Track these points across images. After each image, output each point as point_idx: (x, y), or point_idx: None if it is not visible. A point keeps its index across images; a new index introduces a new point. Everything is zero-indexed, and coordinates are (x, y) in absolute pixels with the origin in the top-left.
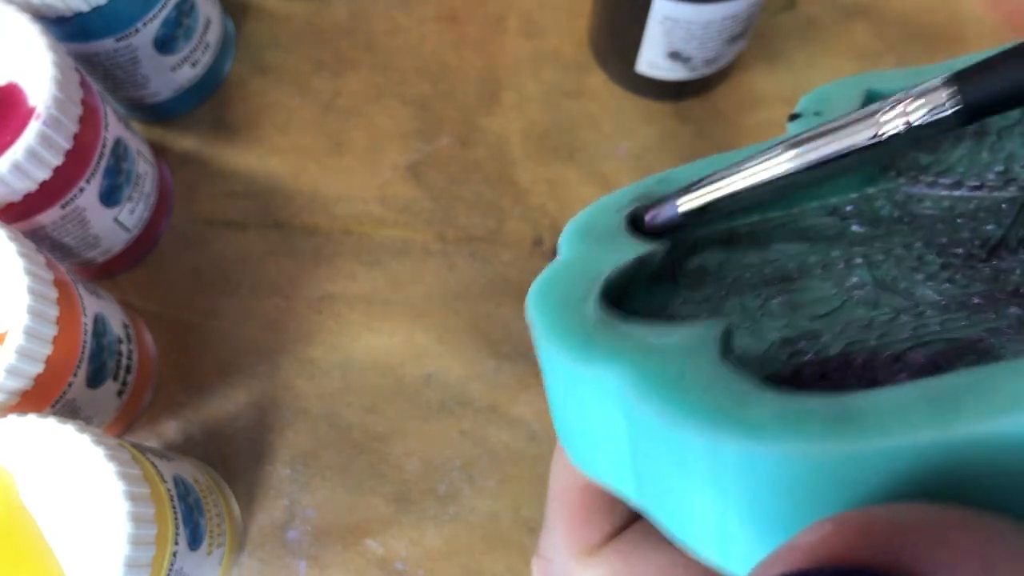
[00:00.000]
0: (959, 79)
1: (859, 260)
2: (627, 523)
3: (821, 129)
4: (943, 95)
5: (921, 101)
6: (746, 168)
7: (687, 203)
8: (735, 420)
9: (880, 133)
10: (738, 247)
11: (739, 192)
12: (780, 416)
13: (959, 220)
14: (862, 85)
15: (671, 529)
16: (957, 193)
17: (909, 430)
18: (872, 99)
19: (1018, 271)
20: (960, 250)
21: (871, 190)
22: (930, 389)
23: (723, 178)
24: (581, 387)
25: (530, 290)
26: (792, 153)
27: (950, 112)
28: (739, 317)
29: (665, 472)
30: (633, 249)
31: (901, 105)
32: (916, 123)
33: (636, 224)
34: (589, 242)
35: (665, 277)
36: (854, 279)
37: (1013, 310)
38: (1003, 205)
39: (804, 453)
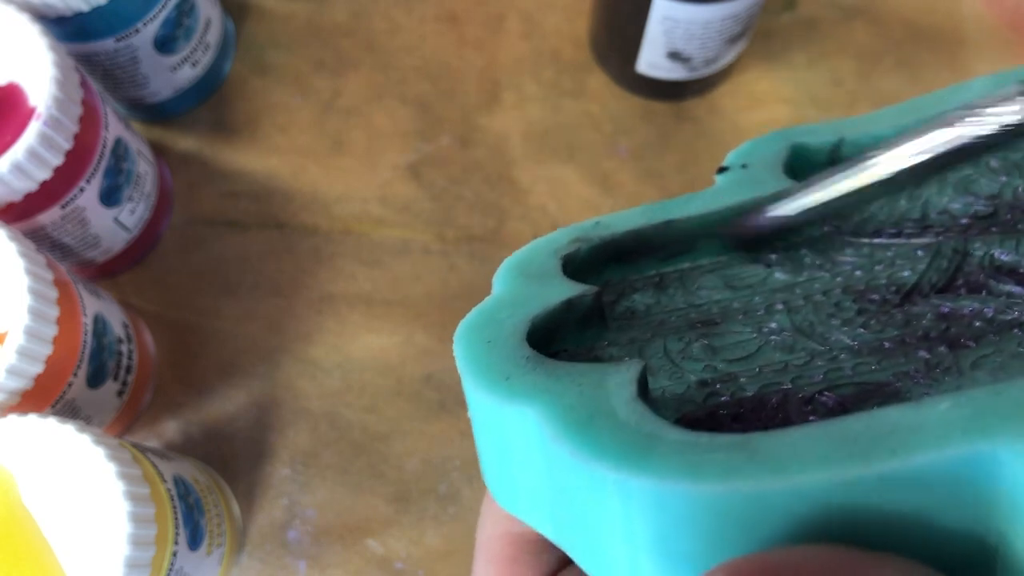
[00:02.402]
0: None
1: (780, 306)
2: (554, 571)
3: (932, 124)
4: None
5: (1016, 106)
6: (859, 166)
7: (796, 206)
8: (642, 459)
9: (976, 134)
10: (667, 290)
11: (856, 191)
12: (686, 456)
13: (877, 267)
14: (788, 139)
15: (588, 568)
16: (877, 241)
17: (808, 471)
18: (798, 152)
19: (928, 315)
20: (876, 296)
21: (796, 238)
22: (830, 431)
23: (833, 181)
24: (503, 424)
25: (459, 327)
26: (916, 144)
27: None
28: (661, 359)
29: (580, 511)
30: (563, 291)
31: (987, 111)
32: (1010, 123)
33: (570, 266)
34: (522, 280)
35: (594, 319)
36: (773, 324)
37: (922, 354)
38: (919, 252)
39: (707, 493)
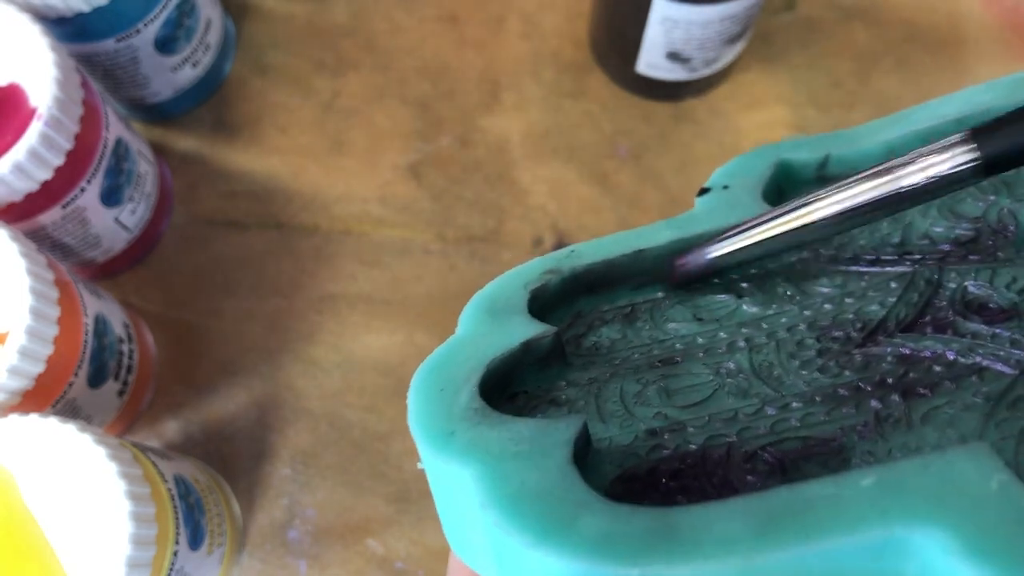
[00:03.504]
0: (977, 134)
1: (742, 343)
2: None
3: (844, 183)
4: (962, 150)
5: (943, 156)
6: (777, 217)
7: (717, 251)
8: (562, 536)
9: (900, 186)
10: (635, 324)
11: (768, 240)
12: (606, 533)
13: (847, 300)
14: (774, 155)
15: None
16: (853, 268)
17: (722, 554)
18: (784, 170)
19: (888, 358)
20: (840, 333)
21: (771, 266)
22: (749, 507)
23: (753, 227)
24: (447, 479)
25: (418, 369)
26: (818, 205)
27: (968, 166)
28: (616, 404)
29: (520, 571)
30: (523, 331)
31: (921, 160)
32: (936, 176)
33: (540, 299)
34: (486, 319)
35: (556, 357)
36: (731, 364)
37: (874, 403)
38: (892, 283)
39: (623, 574)
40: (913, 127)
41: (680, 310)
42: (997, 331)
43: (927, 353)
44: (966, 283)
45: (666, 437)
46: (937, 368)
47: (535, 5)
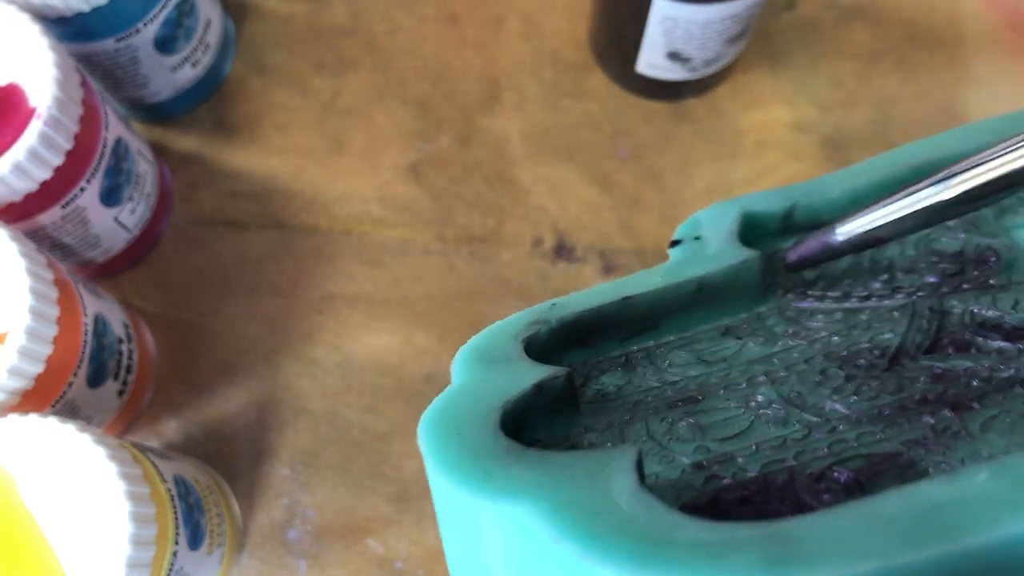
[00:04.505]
0: None
1: (761, 378)
2: None
3: (966, 163)
4: None
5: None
6: (898, 198)
7: (847, 231)
8: (662, 556)
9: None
10: (636, 370)
11: (900, 219)
12: (710, 549)
13: (855, 331)
14: (737, 209)
15: None
16: (847, 305)
17: (854, 562)
18: (749, 221)
19: (922, 378)
20: (862, 360)
21: (761, 309)
22: (864, 513)
23: (876, 209)
24: (476, 522)
25: (422, 419)
26: (953, 181)
27: None
28: (646, 443)
29: None
30: (532, 374)
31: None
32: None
33: (530, 352)
34: (485, 366)
35: (566, 405)
36: (760, 397)
37: (926, 419)
38: (895, 313)
39: None
40: (877, 176)
41: (680, 355)
42: (1022, 347)
43: (960, 370)
44: (971, 308)
45: (716, 468)
46: (975, 383)
47: (535, 5)
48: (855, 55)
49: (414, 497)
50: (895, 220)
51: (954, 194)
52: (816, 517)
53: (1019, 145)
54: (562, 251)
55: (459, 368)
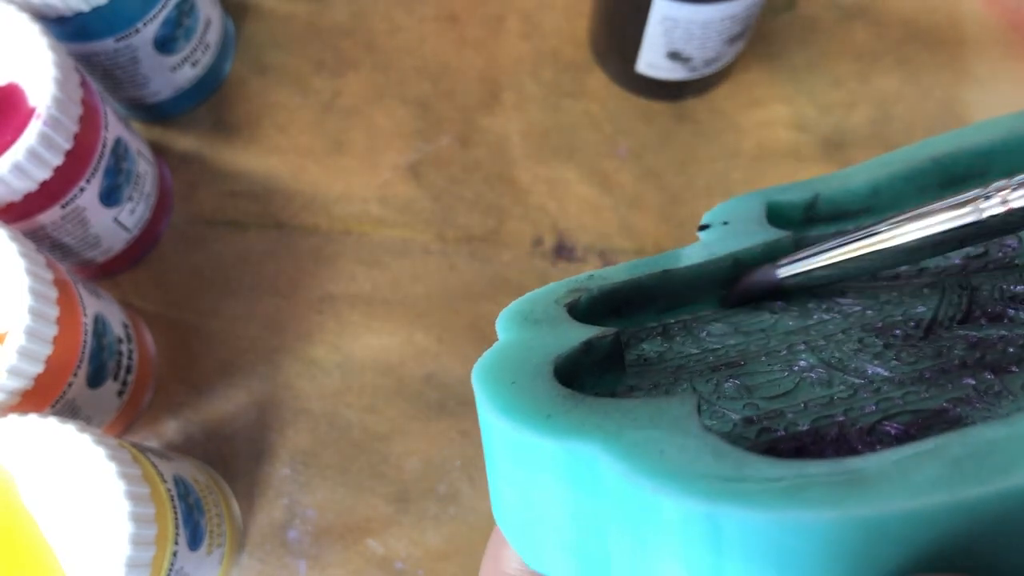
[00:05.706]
0: None
1: (801, 346)
2: None
3: (924, 210)
4: None
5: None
6: (851, 240)
7: (787, 270)
8: (733, 489)
9: (982, 216)
10: (676, 339)
11: (841, 263)
12: (783, 483)
13: (887, 306)
14: (763, 199)
15: None
16: (875, 284)
17: (924, 494)
18: (772, 211)
19: (959, 345)
20: (898, 331)
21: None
22: (928, 452)
23: (829, 248)
24: (539, 465)
25: (476, 367)
26: (898, 231)
27: None
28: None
29: (641, 557)
30: (580, 333)
31: (1002, 193)
32: (1016, 207)
33: (574, 314)
34: (530, 326)
35: (612, 365)
36: (802, 362)
37: (967, 380)
38: (925, 290)
39: (812, 520)
40: (896, 168)
41: (718, 326)
42: None
43: (995, 338)
44: (1000, 284)
45: (767, 423)
46: (1011, 349)
47: (535, 5)
48: (855, 55)
49: (414, 497)
50: (832, 264)
51: (888, 245)
52: (881, 455)
53: (960, 201)
54: (562, 251)
55: (504, 326)
